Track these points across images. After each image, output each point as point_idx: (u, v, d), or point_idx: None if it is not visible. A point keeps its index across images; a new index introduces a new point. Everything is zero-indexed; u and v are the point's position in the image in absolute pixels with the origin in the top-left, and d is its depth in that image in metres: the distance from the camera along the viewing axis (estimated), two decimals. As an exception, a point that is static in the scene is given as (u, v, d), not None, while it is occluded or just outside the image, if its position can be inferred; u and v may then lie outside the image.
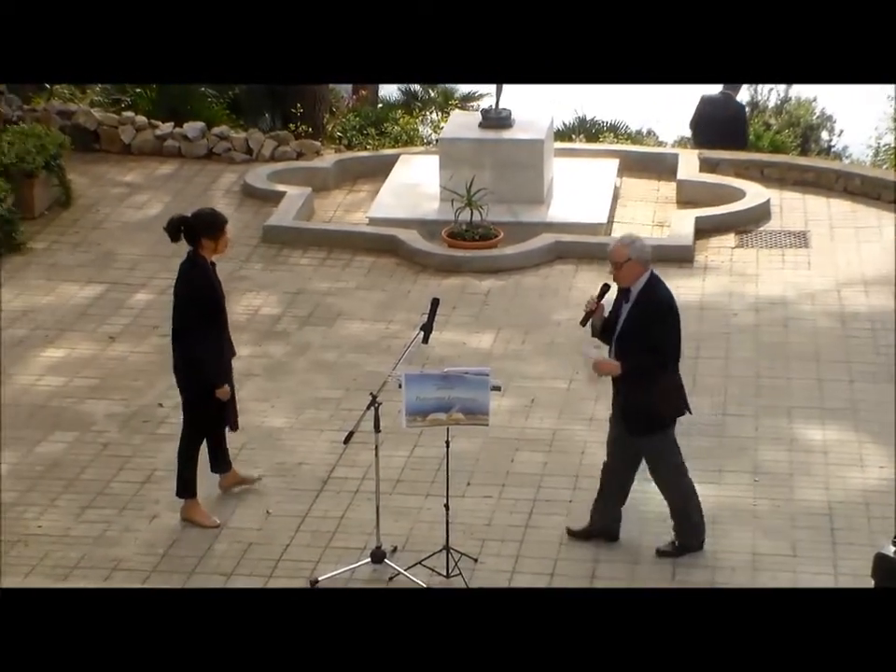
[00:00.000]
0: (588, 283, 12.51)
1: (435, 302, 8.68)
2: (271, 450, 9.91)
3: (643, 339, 8.23)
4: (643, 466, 8.64)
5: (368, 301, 12.22)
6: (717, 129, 15.16)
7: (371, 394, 8.41)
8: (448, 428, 8.35)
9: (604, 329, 8.42)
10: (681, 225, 13.46)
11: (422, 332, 8.62)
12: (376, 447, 8.51)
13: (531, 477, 9.52)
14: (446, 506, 8.47)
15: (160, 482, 9.55)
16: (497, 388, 8.42)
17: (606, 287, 8.39)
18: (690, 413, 8.59)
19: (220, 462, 9.34)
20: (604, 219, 13.58)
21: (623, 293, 8.35)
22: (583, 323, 8.42)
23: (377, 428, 8.41)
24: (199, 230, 8.79)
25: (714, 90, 15.38)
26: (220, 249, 8.88)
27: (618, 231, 13.63)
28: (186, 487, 9.07)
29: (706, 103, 15.42)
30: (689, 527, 8.67)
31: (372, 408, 8.34)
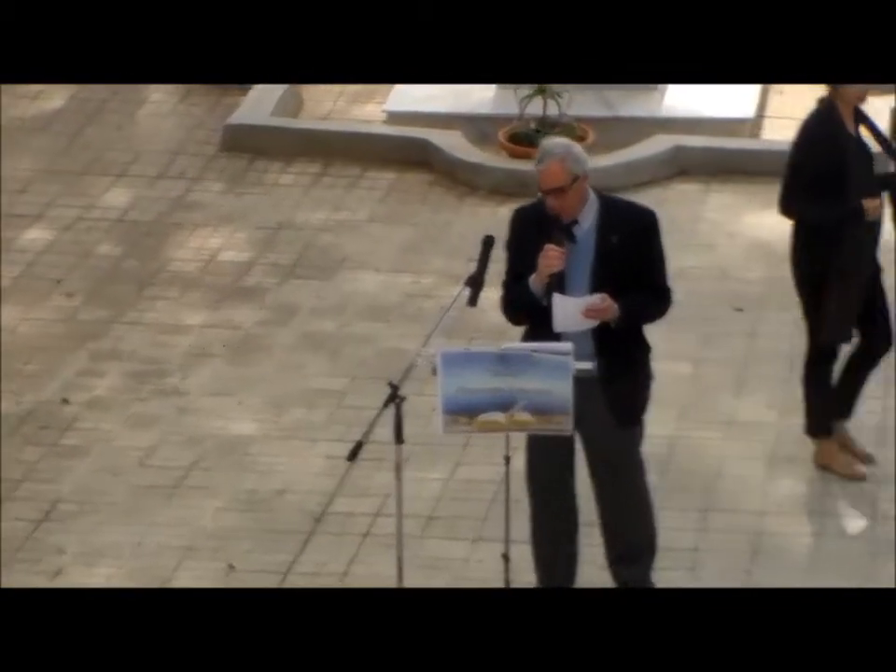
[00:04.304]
0: (722, 212, 12.46)
1: (488, 242, 8.70)
2: (235, 470, 9.94)
3: (641, 276, 8.49)
4: None
5: (386, 241, 12.25)
6: None
7: (389, 384, 8.34)
8: (508, 436, 8.33)
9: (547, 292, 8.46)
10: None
11: (469, 289, 8.59)
12: (397, 466, 8.45)
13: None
14: (505, 556, 8.44)
15: (64, 519, 9.57)
16: (587, 372, 8.38)
17: (569, 233, 8.52)
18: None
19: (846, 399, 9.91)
20: (750, 114, 13.53)
21: (562, 232, 8.49)
22: (549, 291, 8.44)
23: (399, 438, 8.35)
24: None
25: None
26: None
27: (769, 133, 13.56)
28: (818, 422, 9.82)
29: None
30: (647, 557, 8.86)
31: (393, 405, 8.30)
